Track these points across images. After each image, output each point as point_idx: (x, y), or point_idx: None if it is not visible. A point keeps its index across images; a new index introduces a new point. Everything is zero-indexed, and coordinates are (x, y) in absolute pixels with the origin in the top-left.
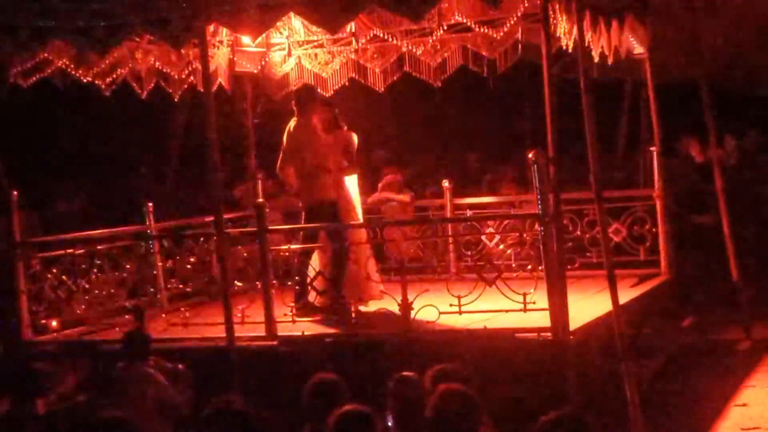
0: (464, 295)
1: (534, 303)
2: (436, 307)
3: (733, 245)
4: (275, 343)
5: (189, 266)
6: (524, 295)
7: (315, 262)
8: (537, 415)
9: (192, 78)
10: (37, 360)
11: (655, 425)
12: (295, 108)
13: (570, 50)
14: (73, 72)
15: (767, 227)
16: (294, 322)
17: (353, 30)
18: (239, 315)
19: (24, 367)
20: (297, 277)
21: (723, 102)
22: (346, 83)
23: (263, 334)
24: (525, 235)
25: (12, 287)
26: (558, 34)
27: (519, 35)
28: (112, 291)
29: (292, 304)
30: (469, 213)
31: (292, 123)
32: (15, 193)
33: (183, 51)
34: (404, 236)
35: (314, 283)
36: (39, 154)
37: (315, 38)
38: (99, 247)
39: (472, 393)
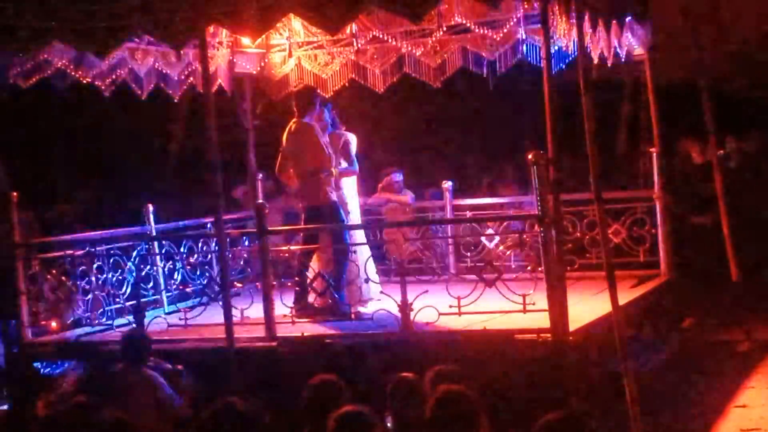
0: (464, 296)
1: (534, 304)
2: (436, 308)
3: (733, 246)
4: (275, 344)
5: (189, 267)
6: (524, 296)
7: (314, 263)
8: (536, 416)
9: (192, 79)
10: (36, 361)
11: (655, 426)
12: (295, 109)
13: (570, 51)
14: (73, 73)
15: (767, 228)
16: (294, 323)
17: (353, 31)
18: (239, 316)
19: (24, 368)
20: (297, 278)
21: (723, 103)
22: (346, 84)
23: (263, 334)
24: (525, 236)
25: (12, 288)
26: (558, 36)
27: (519, 36)
28: (112, 292)
29: (292, 305)
30: (468, 214)
31: (292, 124)
32: (15, 194)
33: (183, 52)
34: (404, 237)
35: (314, 284)
36: (39, 154)
37: (315, 39)
38: (99, 248)
39: (471, 394)
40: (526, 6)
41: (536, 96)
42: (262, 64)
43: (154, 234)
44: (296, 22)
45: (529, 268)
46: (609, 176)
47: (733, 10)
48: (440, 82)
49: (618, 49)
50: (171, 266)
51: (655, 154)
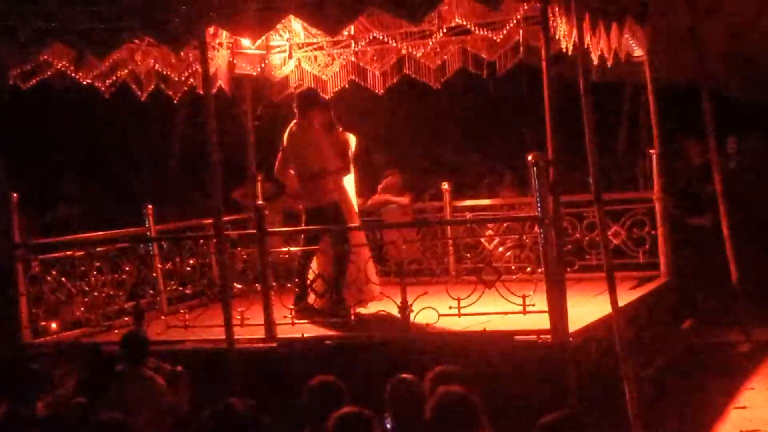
0: (464, 297)
1: (533, 305)
2: (436, 309)
3: (733, 247)
4: (274, 345)
5: (188, 268)
6: (523, 297)
7: (314, 264)
8: (536, 417)
9: (192, 80)
10: (36, 362)
11: (655, 427)
12: (296, 110)
13: (569, 53)
14: (73, 74)
15: (767, 229)
16: (293, 324)
17: (350, 32)
18: (239, 317)
19: (23, 369)
20: (297, 279)
21: (724, 105)
22: (346, 85)
23: (262, 336)
24: (524, 237)
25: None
26: (557, 37)
27: (519, 38)
28: (112, 293)
29: (292, 306)
30: (468, 215)
31: (293, 125)
32: (15, 195)
33: (183, 53)
34: (404, 238)
35: (314, 285)
36: (39, 156)
37: (315, 41)
38: (98, 249)
39: (471, 395)
40: (526, 7)
41: (536, 97)
42: (262, 65)
43: (153, 235)
44: (296, 24)
45: (528, 269)
46: (609, 177)
47: (733, 10)
48: (440, 84)
49: (618, 50)
50: (171, 267)
51: (654, 156)
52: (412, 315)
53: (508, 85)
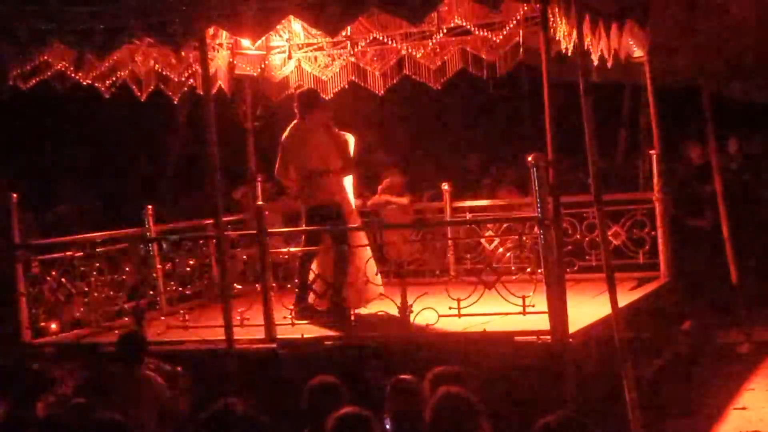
0: (463, 298)
1: (533, 306)
2: (436, 310)
3: (733, 248)
4: (274, 345)
5: (188, 269)
6: (523, 298)
7: (314, 265)
8: (536, 418)
9: (192, 80)
10: (36, 362)
11: (655, 428)
12: (296, 110)
13: (569, 53)
14: (73, 75)
15: (767, 230)
16: (293, 324)
17: (348, 33)
18: (238, 318)
19: (23, 370)
20: (297, 280)
21: (725, 106)
22: (346, 86)
23: (262, 336)
24: (524, 238)
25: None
26: (557, 38)
27: (519, 38)
28: (111, 293)
29: (292, 307)
30: (468, 216)
31: (293, 125)
32: (15, 195)
33: (183, 54)
34: (404, 239)
35: (314, 286)
36: (38, 156)
37: (315, 41)
38: (98, 250)
39: (471, 396)
40: (525, 8)
41: (536, 98)
42: (262, 65)
43: (153, 235)
44: (296, 24)
45: (528, 270)
46: (609, 178)
47: (733, 11)
48: (440, 84)
49: (618, 51)
50: (170, 268)
51: (654, 156)
52: (411, 315)
53: (508, 85)
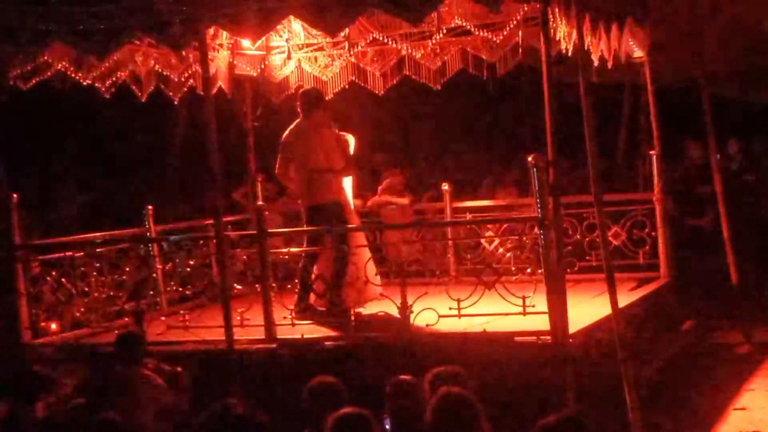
0: (464, 299)
1: (533, 306)
2: (436, 310)
3: (733, 248)
4: (274, 346)
5: (188, 269)
6: (523, 298)
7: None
8: (536, 419)
9: (192, 81)
10: (36, 363)
11: (655, 429)
12: (300, 109)
13: (570, 54)
14: (73, 75)
15: (767, 230)
16: (293, 325)
17: (348, 34)
18: (239, 318)
19: (23, 370)
20: (298, 280)
21: (726, 106)
22: (346, 86)
23: (262, 337)
24: (524, 238)
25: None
26: (558, 38)
27: (519, 39)
28: (112, 294)
29: (292, 307)
30: (468, 216)
31: (295, 124)
32: (15, 195)
33: (183, 54)
34: (404, 239)
35: (314, 286)
36: (39, 156)
37: (315, 41)
38: (98, 250)
39: (471, 396)
40: (526, 8)
41: (536, 98)
42: (262, 66)
43: (153, 235)
44: (296, 24)
45: (528, 270)
46: (609, 178)
47: (733, 11)
48: (440, 85)
49: (618, 52)
50: (171, 268)
51: (654, 157)
52: (412, 316)
53: (508, 86)
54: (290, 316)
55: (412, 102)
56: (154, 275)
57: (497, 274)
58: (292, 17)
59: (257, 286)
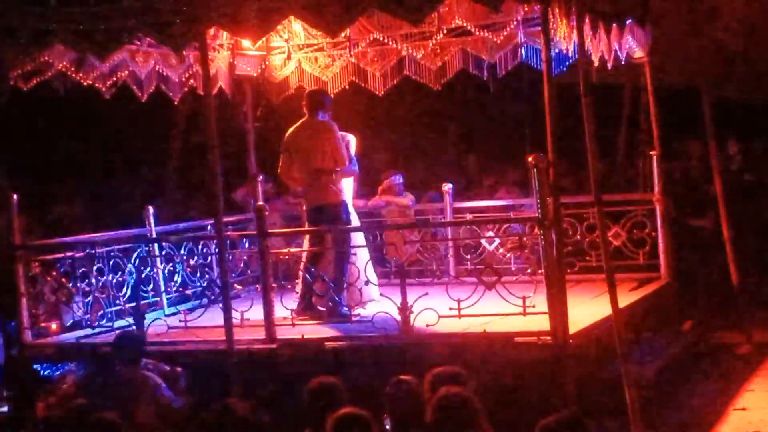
0: (464, 299)
1: (533, 307)
2: (436, 311)
3: (733, 249)
4: (275, 346)
5: (189, 269)
6: (524, 298)
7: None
8: (536, 419)
9: (192, 81)
10: (36, 363)
11: (655, 429)
12: (306, 109)
13: (570, 54)
14: (74, 75)
15: (767, 231)
16: (293, 325)
17: (348, 34)
18: (239, 318)
19: (24, 370)
20: (299, 280)
21: (726, 107)
22: (347, 87)
23: (262, 336)
24: (525, 238)
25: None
26: (558, 38)
27: (519, 39)
28: (112, 294)
29: (292, 308)
30: (468, 216)
31: (301, 123)
32: (15, 195)
33: (183, 54)
34: (404, 239)
35: (314, 286)
36: (39, 156)
37: (315, 42)
38: (99, 250)
39: (471, 396)
40: (526, 9)
41: (536, 99)
42: (263, 66)
43: (154, 236)
44: (296, 25)
45: (529, 270)
46: (609, 179)
47: (733, 12)
48: (440, 85)
49: (618, 52)
50: (171, 268)
51: (655, 157)
52: (412, 316)
53: (508, 86)
54: (290, 317)
55: (412, 102)
56: (155, 275)
57: (497, 274)
58: (292, 17)
59: (257, 286)
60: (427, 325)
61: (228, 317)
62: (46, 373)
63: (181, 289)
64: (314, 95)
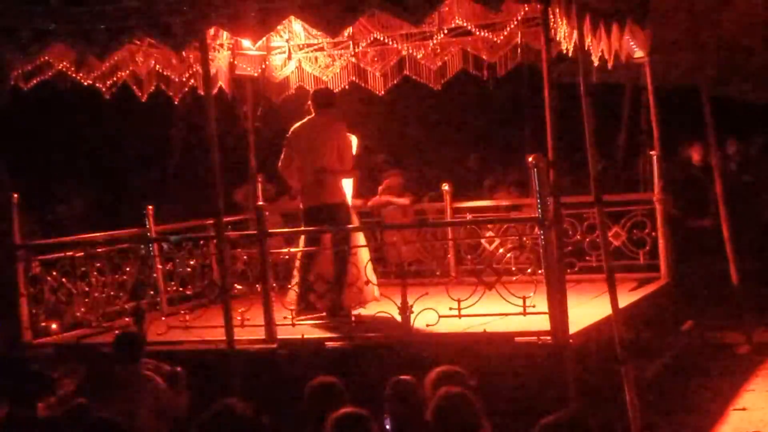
0: (464, 299)
1: (534, 307)
2: (436, 311)
3: (733, 249)
4: (275, 346)
5: (189, 269)
6: (524, 298)
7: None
8: (536, 419)
9: (192, 81)
10: (36, 363)
11: (655, 429)
12: (312, 107)
13: (570, 54)
14: (74, 75)
15: (767, 231)
16: (294, 325)
17: (349, 34)
18: (239, 318)
19: (24, 370)
20: (298, 280)
21: (725, 107)
22: (347, 87)
23: (263, 337)
24: (525, 238)
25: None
26: (558, 38)
27: (519, 39)
28: (112, 294)
29: (293, 308)
30: (468, 216)
31: (307, 120)
32: (15, 195)
33: (184, 54)
34: (404, 239)
35: (314, 286)
36: (39, 156)
37: (315, 42)
38: (99, 250)
39: (471, 396)
40: (526, 9)
41: (536, 98)
42: (263, 66)
43: (154, 236)
44: (297, 24)
45: (529, 270)
46: (609, 179)
47: (733, 12)
48: (440, 85)
49: (618, 52)
50: (171, 268)
51: (655, 157)
52: (412, 316)
53: (508, 86)
54: (291, 317)
55: (412, 102)
56: (155, 275)
57: (497, 274)
58: (292, 17)
59: (257, 286)
60: (427, 325)
61: (228, 317)
62: (46, 373)
63: (181, 289)
64: (323, 93)
